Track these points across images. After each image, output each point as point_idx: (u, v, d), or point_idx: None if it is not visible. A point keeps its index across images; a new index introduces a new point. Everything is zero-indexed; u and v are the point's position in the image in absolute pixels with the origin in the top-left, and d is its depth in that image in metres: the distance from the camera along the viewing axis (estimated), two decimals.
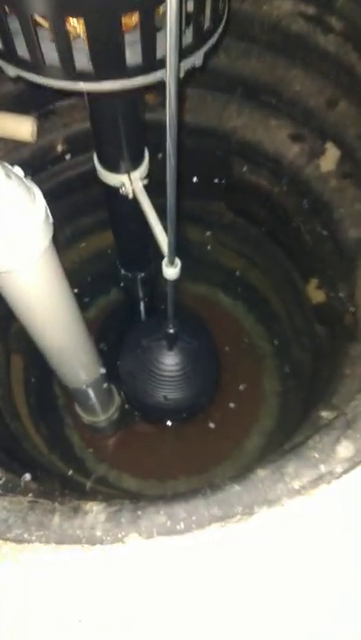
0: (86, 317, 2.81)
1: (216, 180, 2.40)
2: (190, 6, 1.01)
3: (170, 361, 2.05)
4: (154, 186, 2.53)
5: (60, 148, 2.26)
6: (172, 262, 1.37)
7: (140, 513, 1.06)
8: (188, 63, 1.08)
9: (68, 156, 2.33)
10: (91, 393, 2.07)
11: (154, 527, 1.03)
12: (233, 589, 0.90)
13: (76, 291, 2.54)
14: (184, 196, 2.57)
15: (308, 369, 2.35)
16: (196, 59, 1.10)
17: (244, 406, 2.57)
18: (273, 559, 0.93)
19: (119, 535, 1.03)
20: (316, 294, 2.19)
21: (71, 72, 1.01)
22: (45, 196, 2.48)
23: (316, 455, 1.10)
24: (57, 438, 2.45)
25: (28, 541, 1.02)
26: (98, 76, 1.02)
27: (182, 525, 1.03)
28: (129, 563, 0.95)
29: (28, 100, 2.08)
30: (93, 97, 1.27)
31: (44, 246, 1.18)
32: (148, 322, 2.26)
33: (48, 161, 2.29)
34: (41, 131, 2.22)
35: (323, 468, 1.07)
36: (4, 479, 1.30)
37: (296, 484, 1.06)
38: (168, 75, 0.90)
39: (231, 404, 2.57)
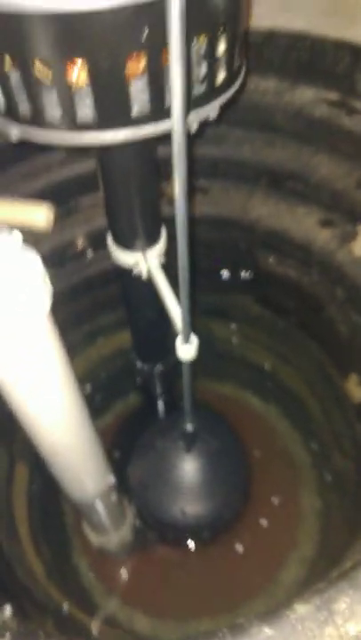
0: (103, 422, 2.60)
1: (241, 273, 2.29)
2: (202, 51, 0.94)
3: (188, 466, 1.75)
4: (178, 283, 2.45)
5: (80, 243, 2.23)
6: (186, 339, 1.19)
7: None
8: (201, 114, 0.99)
9: (89, 253, 2.28)
10: (98, 506, 1.78)
11: None
12: None
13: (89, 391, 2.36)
14: (207, 290, 2.48)
15: (351, 480, 2.02)
16: (211, 110, 1.01)
17: (279, 526, 2.19)
18: None
19: None
20: (358, 391, 1.94)
21: (74, 122, 0.93)
22: (65, 292, 2.39)
23: None
24: (60, 563, 2.10)
25: None
26: (102, 124, 0.93)
27: None
28: None
29: (49, 197, 2.08)
30: (105, 160, 1.20)
31: (44, 311, 1.02)
32: (163, 421, 2.00)
33: (68, 257, 2.25)
34: (62, 227, 2.21)
35: None
36: None
37: (352, 629, 0.76)
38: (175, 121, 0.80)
39: (264, 522, 2.19)
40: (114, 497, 1.82)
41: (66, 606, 1.76)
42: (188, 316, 1.14)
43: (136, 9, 0.76)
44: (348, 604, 0.78)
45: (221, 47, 0.93)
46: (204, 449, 1.76)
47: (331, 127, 1.70)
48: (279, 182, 1.96)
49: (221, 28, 0.88)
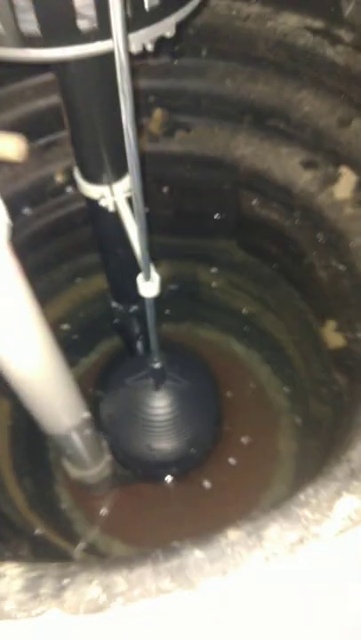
0: (86, 362, 2.63)
1: (224, 216, 2.24)
2: None
3: (156, 403, 1.78)
4: (162, 226, 2.38)
5: (59, 178, 2.17)
6: (147, 277, 1.17)
7: (66, 582, 0.80)
8: (155, 30, 0.93)
9: (69, 189, 2.22)
10: (74, 439, 1.82)
11: (81, 603, 0.77)
12: None
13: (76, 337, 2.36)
14: (192, 234, 2.44)
15: (328, 425, 2.05)
16: (166, 27, 0.94)
17: (256, 468, 2.24)
18: None
19: (34, 612, 0.76)
20: (335, 337, 1.93)
21: (17, 36, 0.87)
22: (45, 230, 2.33)
23: (308, 514, 0.83)
24: (42, 494, 2.17)
25: None
26: (47, 40, 0.88)
27: (120, 602, 0.76)
28: None
29: (25, 128, 2.00)
30: (66, 85, 1.15)
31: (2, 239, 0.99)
32: (136, 359, 2.02)
33: (48, 193, 2.19)
34: (40, 161, 2.15)
35: (314, 531, 0.80)
36: None
37: (279, 552, 0.78)
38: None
39: (236, 465, 2.23)
40: (89, 431, 1.85)
41: (42, 531, 1.83)
42: (148, 250, 1.12)
43: None
44: (277, 530, 0.81)
45: None
46: (172, 386, 1.78)
47: (314, 58, 1.60)
48: (262, 120, 1.89)
49: None
